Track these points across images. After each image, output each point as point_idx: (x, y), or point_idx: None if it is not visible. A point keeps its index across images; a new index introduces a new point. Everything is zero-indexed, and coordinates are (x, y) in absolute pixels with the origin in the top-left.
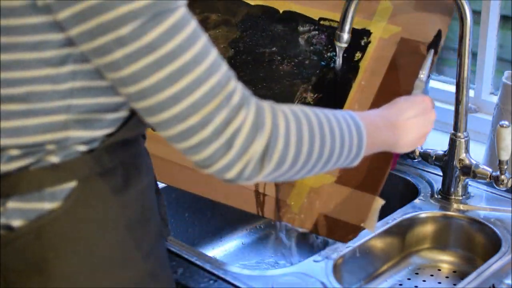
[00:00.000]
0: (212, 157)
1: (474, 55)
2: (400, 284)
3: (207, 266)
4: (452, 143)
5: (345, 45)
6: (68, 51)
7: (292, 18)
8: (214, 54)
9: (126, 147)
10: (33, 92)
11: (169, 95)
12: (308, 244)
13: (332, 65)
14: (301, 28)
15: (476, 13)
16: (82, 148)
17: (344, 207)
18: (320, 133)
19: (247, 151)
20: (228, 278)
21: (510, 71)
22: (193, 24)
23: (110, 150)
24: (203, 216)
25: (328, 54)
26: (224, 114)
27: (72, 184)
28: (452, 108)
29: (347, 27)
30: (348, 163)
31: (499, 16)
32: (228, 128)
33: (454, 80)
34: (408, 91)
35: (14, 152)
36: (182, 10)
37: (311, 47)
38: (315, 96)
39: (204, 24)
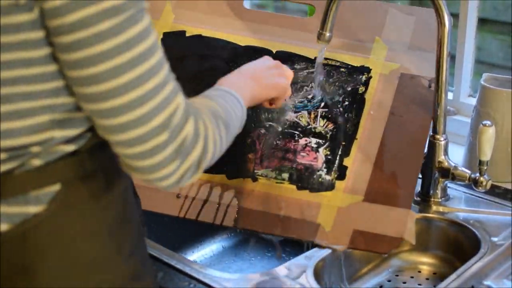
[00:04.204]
0: (163, 162)
1: (452, 57)
2: (381, 286)
3: (187, 270)
4: (431, 145)
5: (327, 44)
6: (52, 50)
7: (287, 58)
8: (167, 63)
9: (107, 150)
10: (19, 93)
11: (137, 96)
12: (290, 246)
13: (336, 98)
14: (298, 66)
15: (454, 16)
16: (67, 148)
17: (378, 222)
18: (230, 123)
19: (188, 158)
20: (207, 281)
21: (488, 74)
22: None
23: (92, 152)
24: (183, 219)
25: (331, 88)
26: (178, 120)
27: (56, 187)
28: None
29: (329, 26)
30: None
31: (477, 19)
32: (180, 134)
33: None
34: (419, 121)
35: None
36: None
37: (311, 83)
38: (325, 125)
39: (187, 62)
